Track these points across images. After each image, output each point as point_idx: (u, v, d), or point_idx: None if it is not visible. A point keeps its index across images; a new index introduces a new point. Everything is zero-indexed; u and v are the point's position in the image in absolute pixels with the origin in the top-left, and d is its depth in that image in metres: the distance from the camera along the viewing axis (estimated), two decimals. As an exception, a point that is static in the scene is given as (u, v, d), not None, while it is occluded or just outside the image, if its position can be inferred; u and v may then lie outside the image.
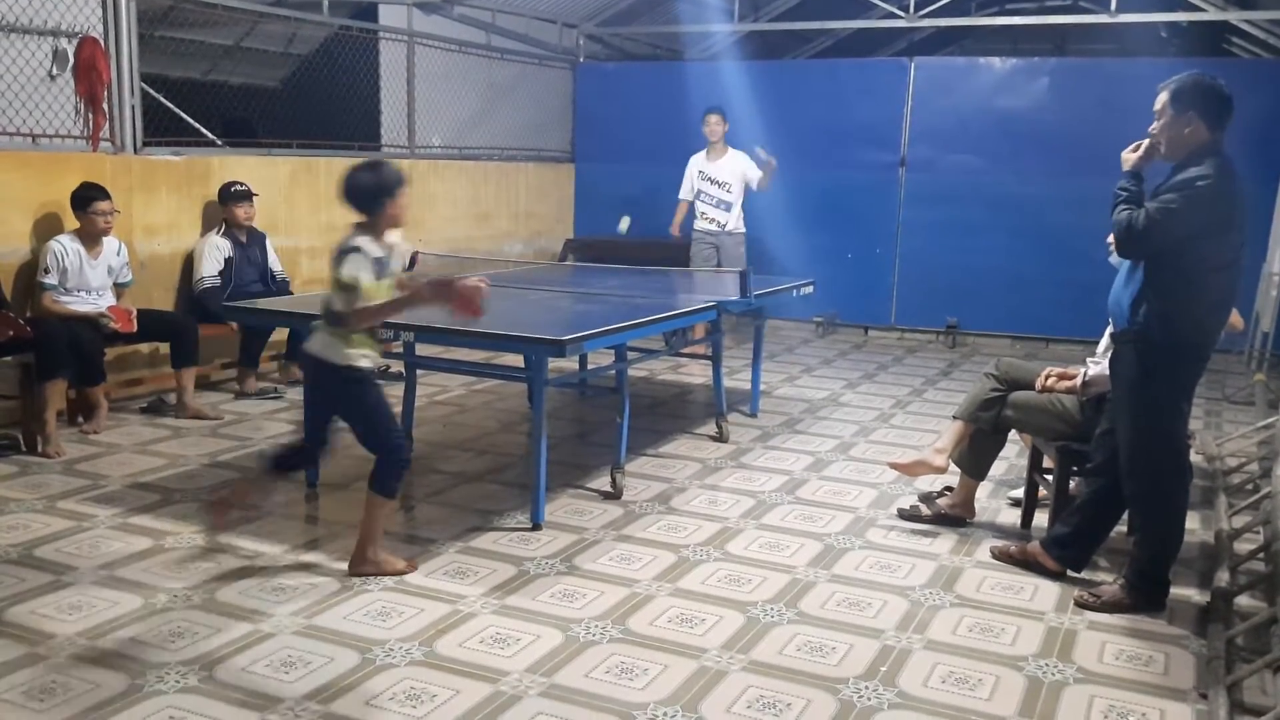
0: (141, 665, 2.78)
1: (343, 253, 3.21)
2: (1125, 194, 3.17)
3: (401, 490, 3.49)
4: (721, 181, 7.25)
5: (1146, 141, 3.24)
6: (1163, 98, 3.18)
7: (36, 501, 4.06)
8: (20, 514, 3.91)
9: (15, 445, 4.70)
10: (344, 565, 3.48)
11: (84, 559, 3.50)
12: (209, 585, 3.32)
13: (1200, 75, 3.17)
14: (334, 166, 6.93)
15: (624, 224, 7.89)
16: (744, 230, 7.29)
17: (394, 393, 5.79)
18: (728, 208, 7.24)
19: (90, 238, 5.11)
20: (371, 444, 3.37)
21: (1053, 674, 2.90)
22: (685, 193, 7.38)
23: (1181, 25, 9.16)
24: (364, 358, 3.29)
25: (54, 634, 2.95)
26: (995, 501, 4.40)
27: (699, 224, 7.36)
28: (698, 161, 7.34)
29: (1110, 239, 3.25)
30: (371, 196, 3.24)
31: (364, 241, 3.22)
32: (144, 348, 5.65)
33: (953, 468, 4.08)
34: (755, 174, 7.10)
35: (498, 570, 3.51)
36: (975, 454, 4.03)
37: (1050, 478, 3.92)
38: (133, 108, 5.64)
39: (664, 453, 5.01)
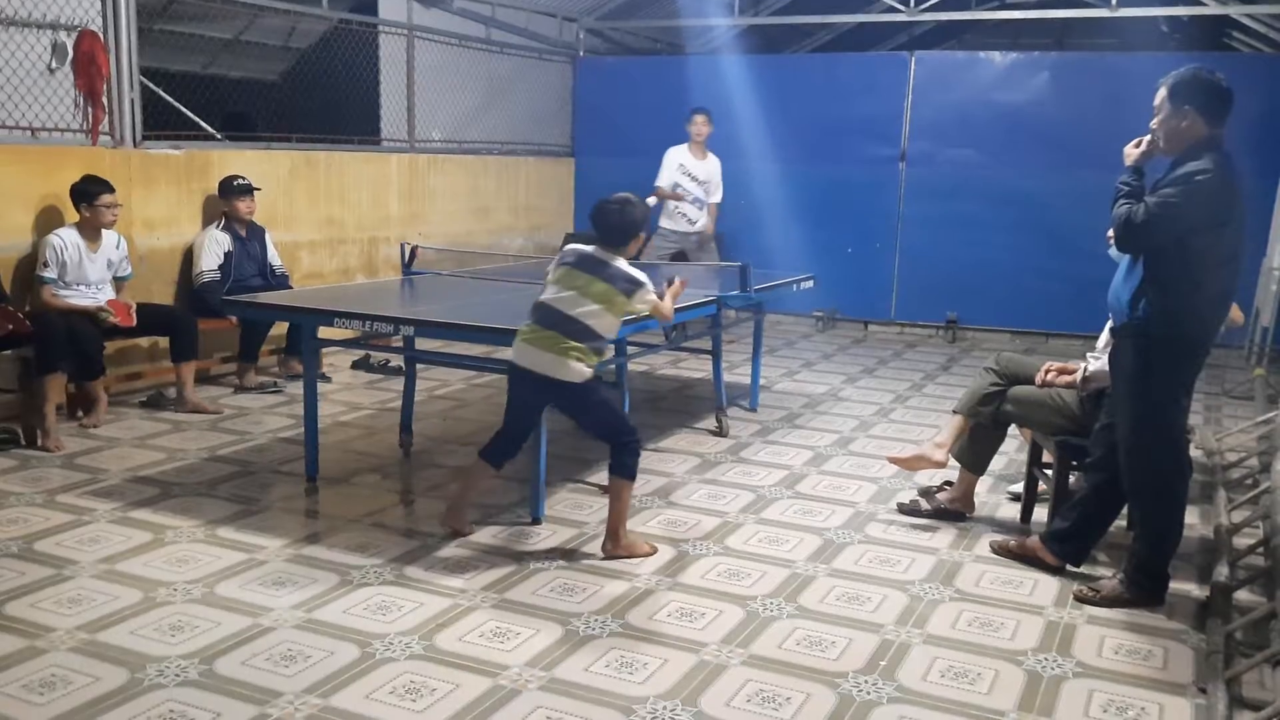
0: (141, 659, 2.79)
1: (637, 282, 3.52)
2: (1126, 189, 3.17)
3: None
4: (703, 180, 7.24)
5: (1148, 137, 3.24)
6: (1161, 93, 3.18)
7: (36, 495, 4.06)
8: (20, 508, 3.91)
9: (15, 439, 4.70)
10: (344, 558, 3.49)
11: (84, 553, 3.50)
12: (208, 579, 3.32)
13: (1198, 69, 3.16)
14: (333, 161, 6.93)
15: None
16: (714, 231, 7.39)
17: (394, 387, 5.82)
18: (703, 207, 7.23)
19: (91, 231, 5.10)
20: (605, 434, 3.64)
21: (1052, 668, 2.90)
22: (664, 181, 7.34)
23: (1182, 19, 9.14)
24: (593, 368, 3.56)
25: (54, 627, 2.95)
26: (995, 496, 4.40)
27: (668, 222, 7.29)
28: (679, 155, 7.32)
29: (1110, 234, 3.24)
30: (630, 233, 3.58)
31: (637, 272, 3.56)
32: (143, 342, 5.64)
33: (952, 462, 4.08)
34: (719, 185, 7.25)
35: (497, 564, 3.51)
36: (975, 449, 4.03)
37: (1050, 472, 3.92)
38: (132, 101, 5.62)
39: (663, 447, 5.01)
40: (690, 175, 7.25)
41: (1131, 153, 3.26)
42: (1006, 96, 8.14)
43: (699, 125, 7.21)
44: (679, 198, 7.33)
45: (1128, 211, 3.10)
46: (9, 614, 3.03)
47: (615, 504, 3.59)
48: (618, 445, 3.58)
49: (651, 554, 3.61)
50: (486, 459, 3.70)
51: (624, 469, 3.57)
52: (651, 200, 7.19)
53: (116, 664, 2.76)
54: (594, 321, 3.49)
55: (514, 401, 3.66)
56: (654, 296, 3.62)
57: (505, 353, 4.58)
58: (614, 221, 3.54)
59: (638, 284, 3.54)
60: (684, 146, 7.32)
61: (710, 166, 7.30)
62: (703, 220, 7.31)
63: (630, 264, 3.59)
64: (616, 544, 3.58)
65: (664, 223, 7.29)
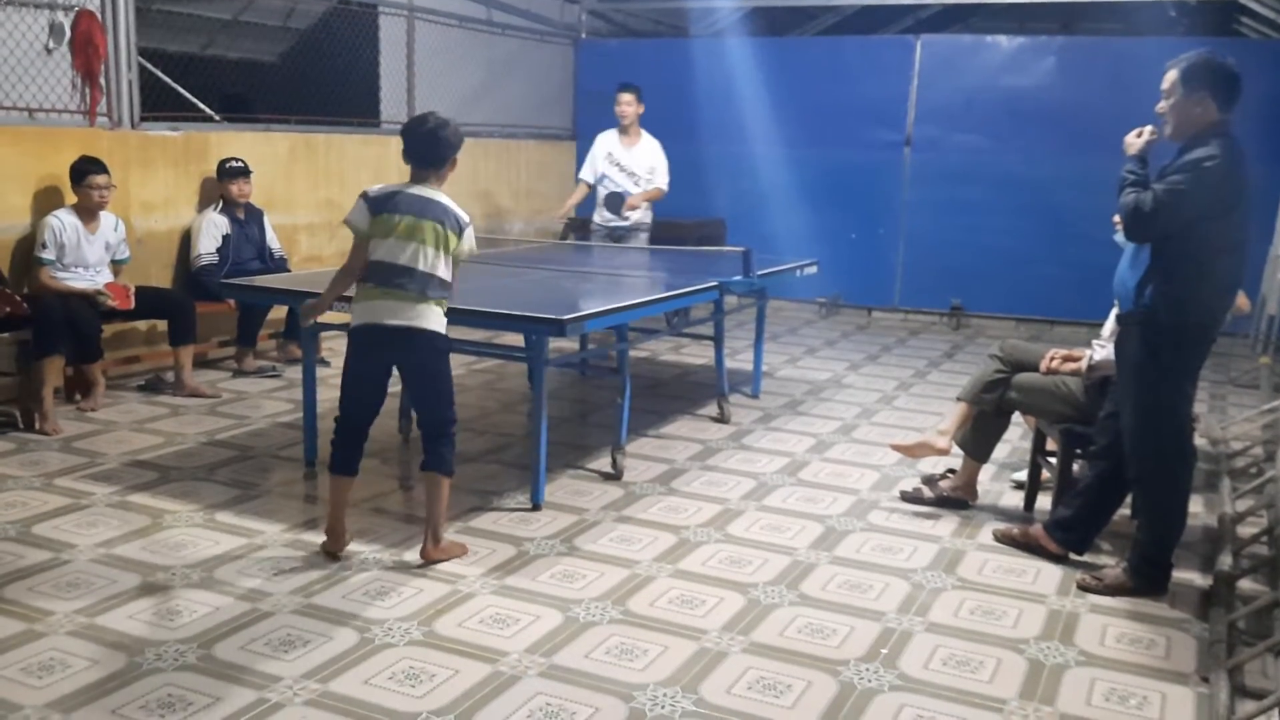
0: (140, 643, 2.77)
1: (467, 224, 3.30)
2: (1133, 177, 3.14)
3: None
4: (632, 171, 6.33)
5: (1149, 127, 3.20)
6: (1172, 76, 3.13)
7: (34, 479, 4.04)
8: (18, 491, 3.90)
9: (12, 422, 4.68)
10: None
11: (82, 537, 3.49)
12: (207, 563, 3.30)
13: (1212, 54, 3.12)
14: (333, 143, 6.88)
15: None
16: (649, 219, 6.45)
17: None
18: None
19: (87, 213, 5.07)
20: (435, 416, 3.34)
21: (1054, 657, 2.89)
22: (586, 174, 6.53)
23: (1190, 4, 9.06)
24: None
25: (52, 611, 2.94)
26: (998, 484, 4.38)
27: (599, 216, 6.46)
28: (607, 142, 6.43)
29: (1117, 219, 3.21)
30: (453, 150, 3.29)
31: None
32: (141, 325, 5.62)
33: (955, 450, 4.06)
34: (663, 171, 6.32)
35: (497, 550, 3.49)
36: (978, 436, 4.01)
37: (1053, 460, 3.90)
38: (130, 82, 5.58)
39: (665, 434, 4.99)
40: (619, 165, 6.35)
41: (1133, 142, 3.22)
42: (1013, 81, 8.08)
43: (623, 105, 6.29)
44: (567, 215, 6.70)
45: (1135, 200, 3.06)
46: (7, 597, 3.02)
47: (435, 504, 3.31)
48: (437, 435, 3.30)
49: (464, 554, 3.40)
50: (341, 472, 3.35)
51: (443, 463, 3.30)
52: (564, 210, 6.67)
53: (115, 648, 2.75)
54: (442, 271, 3.24)
55: (356, 375, 3.31)
56: (472, 244, 3.35)
57: (506, 338, 4.54)
58: (431, 141, 3.22)
59: (465, 223, 3.30)
60: (613, 131, 6.44)
61: (641, 153, 6.34)
62: (636, 214, 6.35)
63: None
64: (438, 546, 3.34)
65: (596, 216, 6.52)
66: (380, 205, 3.25)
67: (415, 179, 3.31)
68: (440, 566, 3.34)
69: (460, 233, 3.28)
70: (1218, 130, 3.08)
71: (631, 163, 6.39)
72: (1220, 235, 3.07)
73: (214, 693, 2.55)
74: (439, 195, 3.28)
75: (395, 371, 3.38)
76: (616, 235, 6.45)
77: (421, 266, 3.21)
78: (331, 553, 3.38)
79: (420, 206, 3.24)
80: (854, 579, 3.37)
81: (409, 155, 3.30)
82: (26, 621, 2.88)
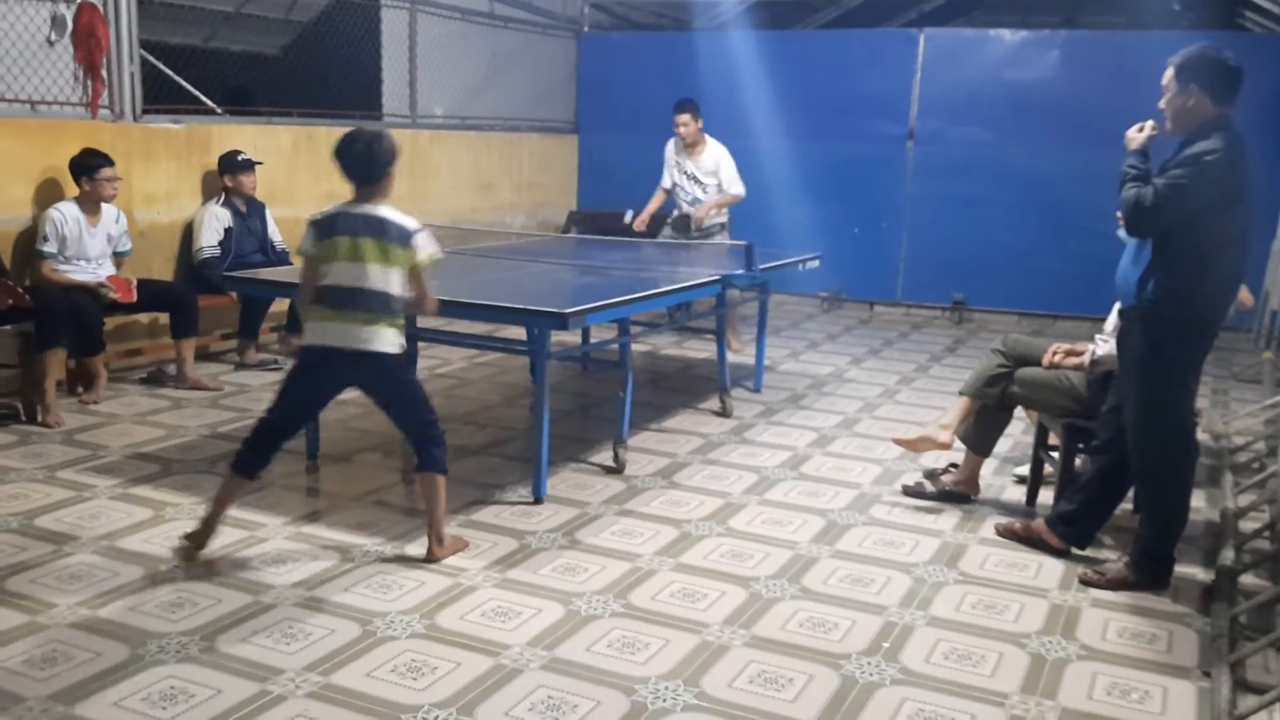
0: (142, 635, 2.78)
1: (414, 232, 3.16)
2: (1134, 172, 3.13)
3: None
4: (698, 178, 6.52)
5: (1150, 121, 3.20)
6: (1169, 72, 3.14)
7: (36, 471, 4.05)
8: (20, 483, 3.90)
9: (15, 414, 4.69)
10: (345, 537, 3.48)
11: (84, 529, 3.49)
12: (209, 556, 3.30)
13: (1205, 48, 3.11)
14: (334, 136, 6.72)
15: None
16: (721, 219, 6.62)
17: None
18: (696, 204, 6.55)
19: (91, 205, 5.07)
20: (414, 424, 3.29)
21: (1056, 651, 2.89)
22: (665, 180, 6.72)
23: (1194, -3, 9.03)
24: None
25: (55, 603, 2.94)
26: (1000, 478, 4.38)
27: (665, 233, 6.67)
28: (672, 150, 6.64)
29: (1120, 215, 3.20)
30: (388, 163, 3.20)
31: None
32: (143, 318, 5.62)
33: (958, 444, 4.06)
34: (730, 174, 6.43)
35: (499, 544, 3.49)
36: (981, 430, 4.00)
37: (1056, 455, 3.90)
38: (132, 75, 5.57)
39: (667, 427, 4.99)
40: (685, 173, 6.56)
41: (1135, 136, 3.21)
42: (1016, 74, 8.05)
43: (679, 128, 6.44)
44: (644, 223, 6.72)
45: (1136, 195, 3.06)
46: (10, 589, 3.02)
47: (435, 503, 3.28)
48: (424, 437, 3.26)
49: (466, 548, 3.40)
50: (241, 473, 3.27)
51: (436, 462, 3.26)
52: (643, 218, 6.73)
53: (117, 640, 2.75)
54: (394, 289, 3.16)
55: (298, 392, 3.29)
56: (431, 250, 3.19)
57: (508, 331, 4.54)
58: (365, 159, 3.15)
59: (411, 231, 3.15)
60: (677, 139, 6.60)
61: (706, 159, 6.48)
62: (710, 218, 6.53)
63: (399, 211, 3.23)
64: (442, 545, 3.32)
65: (665, 231, 6.76)
66: (324, 229, 3.19)
67: (358, 198, 3.22)
68: (441, 560, 3.34)
69: (407, 243, 3.14)
70: (1219, 124, 3.07)
71: (696, 170, 6.55)
72: (1222, 229, 3.06)
73: (216, 685, 2.56)
74: (380, 210, 3.18)
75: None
76: (691, 235, 6.58)
77: (370, 286, 3.13)
78: (190, 550, 3.25)
79: (359, 225, 3.15)
80: (856, 573, 3.37)
81: (346, 176, 3.21)
82: (29, 613, 2.88)
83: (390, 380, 3.27)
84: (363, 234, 3.14)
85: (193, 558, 3.25)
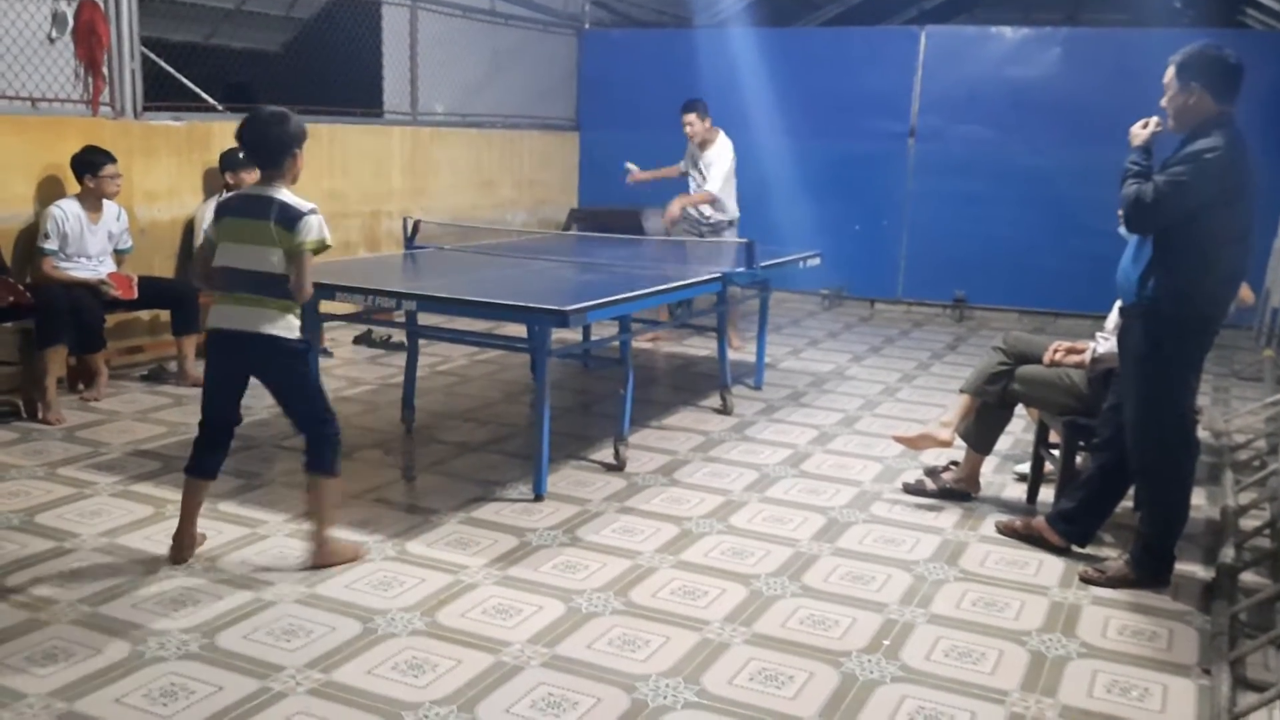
0: (143, 632, 2.78)
1: (301, 215, 3.04)
2: (1135, 168, 3.13)
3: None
4: (700, 170, 6.59)
5: (1154, 118, 3.20)
6: (1170, 70, 3.14)
7: (37, 468, 4.05)
8: (21, 480, 3.91)
9: (15, 411, 4.69)
10: (346, 534, 3.47)
11: (85, 526, 3.49)
12: (210, 553, 3.31)
13: (1206, 45, 3.11)
14: (335, 133, 6.87)
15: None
16: (727, 217, 6.61)
17: (396, 362, 5.80)
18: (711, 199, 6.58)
19: (92, 202, 5.07)
20: (305, 419, 3.20)
21: (1056, 649, 2.89)
22: (682, 164, 6.80)
23: (1195, -6, 9.02)
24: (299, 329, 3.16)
25: (55, 600, 2.95)
26: (1001, 476, 4.38)
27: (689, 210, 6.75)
28: (691, 143, 6.70)
29: (1121, 212, 3.20)
30: (288, 147, 3.10)
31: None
32: (144, 315, 5.62)
33: (958, 442, 4.06)
34: (716, 173, 6.43)
35: (500, 541, 3.50)
36: (981, 428, 4.00)
37: (1056, 452, 3.89)
38: (133, 72, 5.57)
39: (667, 425, 4.99)
40: (695, 163, 6.67)
41: (1138, 133, 3.21)
42: (1017, 72, 8.04)
43: (686, 128, 6.51)
44: (635, 177, 6.86)
45: (1137, 191, 3.06)
46: (11, 586, 3.03)
47: (320, 507, 3.19)
48: (315, 434, 3.17)
49: (357, 558, 3.28)
50: (198, 475, 3.22)
51: (325, 464, 3.17)
52: (643, 175, 6.84)
53: (118, 637, 2.75)
54: (276, 269, 3.06)
55: (212, 379, 3.22)
56: (316, 235, 3.05)
57: (509, 329, 4.54)
58: (261, 140, 3.06)
59: (299, 213, 3.03)
60: None
61: (711, 153, 6.52)
62: (715, 212, 6.56)
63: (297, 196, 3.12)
64: (325, 550, 3.21)
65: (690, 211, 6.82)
66: (221, 210, 3.17)
67: (260, 180, 3.15)
68: (443, 556, 3.34)
69: (292, 226, 3.02)
70: (1220, 121, 3.07)
71: (701, 162, 6.60)
72: (1223, 227, 3.06)
73: (217, 682, 2.56)
74: (275, 192, 3.09)
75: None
76: (700, 232, 6.67)
77: (251, 267, 3.07)
78: (177, 561, 3.21)
79: (249, 206, 3.10)
80: (856, 570, 3.37)
81: (247, 158, 3.13)
82: (30, 610, 2.89)
83: (278, 366, 3.16)
84: (251, 215, 3.08)
85: (184, 561, 3.24)
